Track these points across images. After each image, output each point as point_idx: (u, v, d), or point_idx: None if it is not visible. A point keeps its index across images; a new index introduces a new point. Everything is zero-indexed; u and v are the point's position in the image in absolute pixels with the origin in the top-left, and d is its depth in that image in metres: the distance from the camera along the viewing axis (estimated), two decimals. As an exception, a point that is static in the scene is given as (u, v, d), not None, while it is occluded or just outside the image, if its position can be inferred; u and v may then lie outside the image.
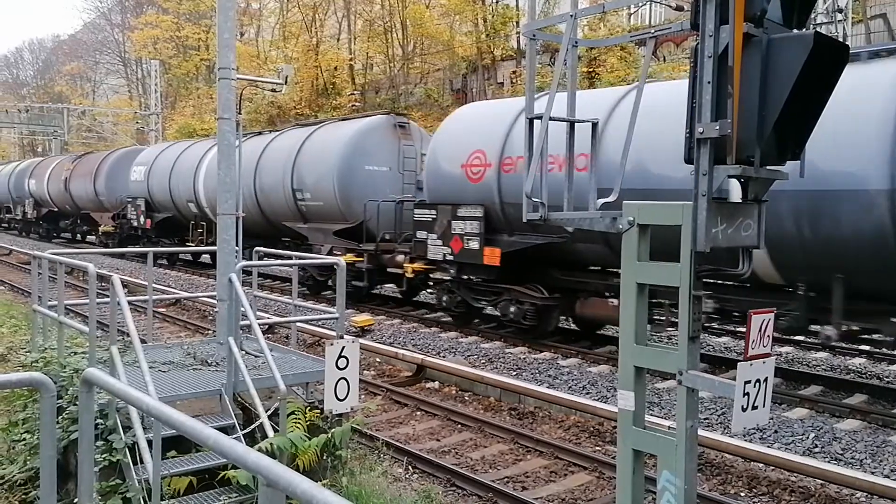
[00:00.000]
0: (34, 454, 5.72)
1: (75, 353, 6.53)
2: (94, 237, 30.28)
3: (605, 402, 8.16)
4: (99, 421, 5.04)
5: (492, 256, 11.18)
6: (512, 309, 11.36)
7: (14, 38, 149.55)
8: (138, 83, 62.02)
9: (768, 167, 3.42)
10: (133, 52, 56.43)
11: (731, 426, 7.10)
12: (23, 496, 5.63)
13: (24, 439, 5.97)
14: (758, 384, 3.28)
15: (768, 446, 6.85)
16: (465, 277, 12.12)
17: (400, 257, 13.81)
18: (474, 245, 11.41)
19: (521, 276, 11.32)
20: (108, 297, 5.91)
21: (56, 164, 32.38)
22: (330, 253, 15.06)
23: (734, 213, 3.43)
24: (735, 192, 4.05)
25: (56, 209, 32.27)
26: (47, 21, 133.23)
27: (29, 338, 8.85)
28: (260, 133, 19.97)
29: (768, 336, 3.36)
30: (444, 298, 12.62)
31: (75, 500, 4.89)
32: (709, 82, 3.19)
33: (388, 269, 14.39)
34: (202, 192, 20.26)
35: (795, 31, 3.39)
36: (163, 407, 2.59)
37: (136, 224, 23.66)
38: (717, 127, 3.16)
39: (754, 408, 3.29)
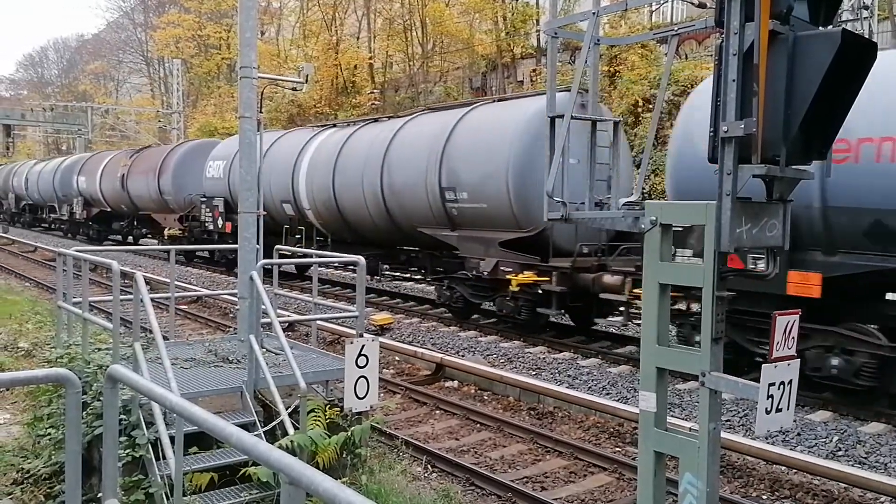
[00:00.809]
0: (59, 449, 5.80)
1: (99, 350, 6.61)
2: (154, 241, 27.49)
3: (625, 403, 8.10)
4: (122, 417, 5.10)
5: (804, 284, 7.80)
6: (835, 361, 7.95)
7: (39, 38, 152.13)
8: (160, 82, 62.69)
9: (794, 167, 3.37)
10: (155, 51, 57.03)
11: (754, 428, 7.04)
12: (48, 490, 5.71)
13: (49, 434, 6.06)
14: (782, 386, 3.24)
15: (791, 449, 6.78)
16: (739, 311, 8.39)
17: (613, 278, 10.37)
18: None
19: (840, 313, 8.07)
20: (131, 294, 5.98)
21: (110, 159, 28.83)
22: (495, 269, 11.70)
23: (759, 213, 3.39)
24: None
25: (109, 209, 28.83)
26: (72, 21, 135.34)
27: (53, 334, 8.98)
28: (376, 120, 16.31)
29: (793, 338, 3.31)
30: (698, 339, 9.64)
31: (99, 495, 4.96)
32: (733, 80, 3.15)
33: (601, 296, 10.56)
34: (303, 191, 16.49)
35: (822, 28, 3.34)
36: (186, 404, 2.61)
37: (211, 227, 19.91)
38: (742, 126, 3.12)
39: (778, 410, 3.25)
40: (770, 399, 3.19)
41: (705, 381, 3.30)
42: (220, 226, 19.63)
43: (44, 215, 37.38)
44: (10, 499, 5.64)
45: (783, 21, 3.14)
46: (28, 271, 21.29)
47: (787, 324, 3.28)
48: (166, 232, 23.61)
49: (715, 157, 3.26)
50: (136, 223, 27.73)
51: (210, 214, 20.06)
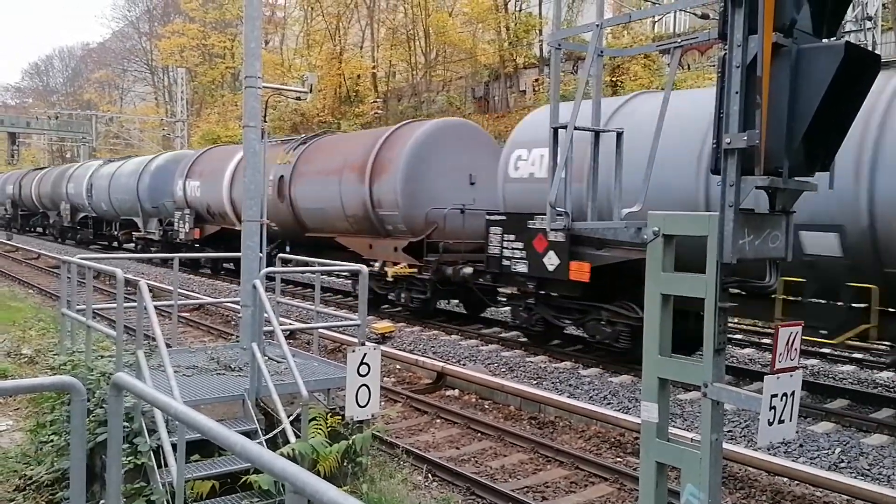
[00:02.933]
0: (61, 455, 5.81)
1: (102, 357, 6.62)
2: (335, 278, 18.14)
3: (626, 413, 8.09)
4: (125, 424, 5.10)
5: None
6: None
7: (44, 47, 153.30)
8: (165, 90, 62.96)
9: (797, 178, 3.39)
10: (160, 60, 57.37)
11: (756, 440, 7.02)
12: (49, 497, 5.71)
13: (52, 441, 6.07)
14: (784, 398, 3.24)
15: (793, 460, 6.75)
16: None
17: None
18: None
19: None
20: (134, 301, 6.00)
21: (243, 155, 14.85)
22: None
23: (762, 225, 3.40)
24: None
25: (240, 228, 13.99)
26: (77, 30, 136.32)
27: (57, 341, 8.99)
28: None
29: (796, 349, 3.32)
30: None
31: (101, 502, 4.96)
32: (737, 93, 3.16)
33: None
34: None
35: (826, 40, 3.36)
36: (191, 412, 2.62)
37: (522, 269, 10.81)
38: (745, 137, 3.14)
39: (781, 422, 3.25)
40: (772, 410, 3.19)
41: (707, 392, 3.30)
42: (552, 267, 10.30)
43: (114, 232, 28.59)
44: (12, 505, 5.65)
45: (786, 34, 3.16)
46: (32, 278, 21.32)
47: (789, 335, 3.28)
48: (389, 270, 13.57)
49: (718, 168, 3.28)
50: (287, 249, 17.34)
51: (517, 245, 10.89)
